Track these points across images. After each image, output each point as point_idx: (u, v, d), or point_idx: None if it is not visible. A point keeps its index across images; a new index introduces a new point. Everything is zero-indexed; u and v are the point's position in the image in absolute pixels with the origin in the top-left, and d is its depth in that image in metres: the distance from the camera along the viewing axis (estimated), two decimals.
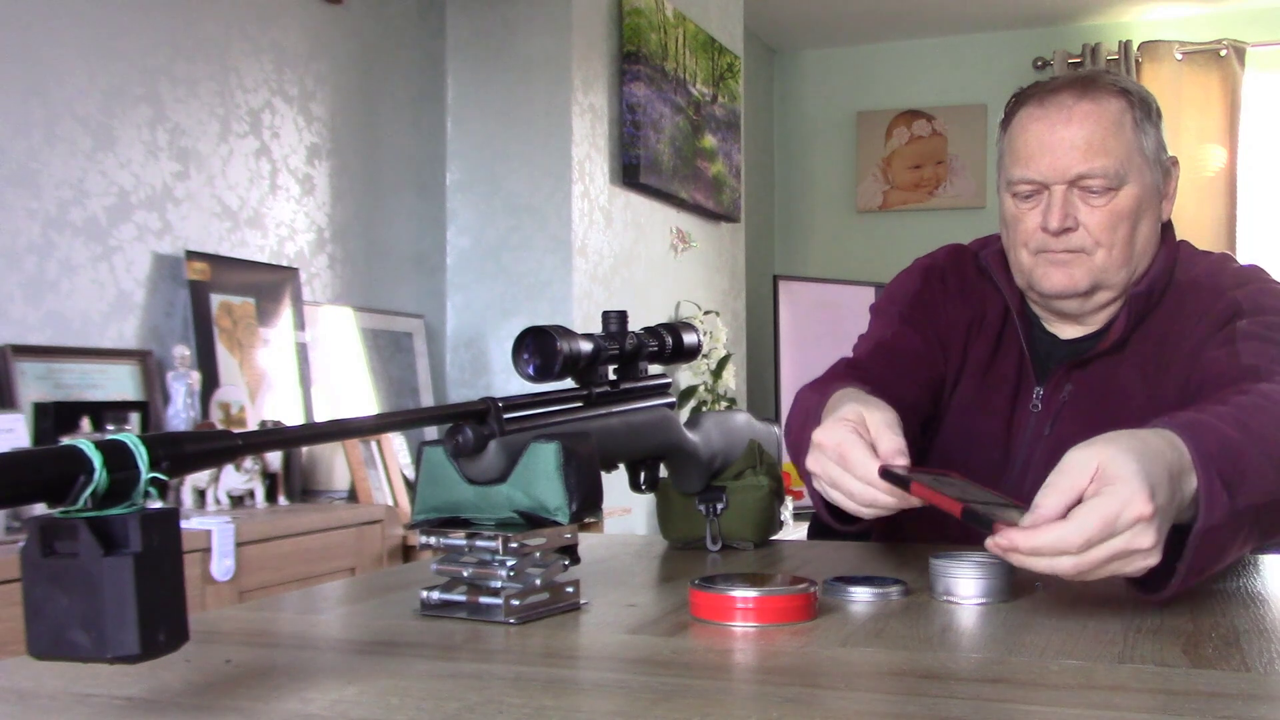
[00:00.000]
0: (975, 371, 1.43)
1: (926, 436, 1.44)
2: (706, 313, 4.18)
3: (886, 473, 0.96)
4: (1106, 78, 1.35)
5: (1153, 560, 0.86)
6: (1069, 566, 0.85)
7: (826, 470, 1.02)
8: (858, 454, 1.00)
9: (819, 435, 1.03)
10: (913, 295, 1.48)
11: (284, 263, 2.87)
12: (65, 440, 0.68)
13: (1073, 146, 1.31)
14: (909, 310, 1.46)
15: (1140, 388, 1.35)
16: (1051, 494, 0.87)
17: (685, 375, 4.02)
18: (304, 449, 2.67)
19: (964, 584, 0.97)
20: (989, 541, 0.88)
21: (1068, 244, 1.33)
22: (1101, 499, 0.85)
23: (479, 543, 0.90)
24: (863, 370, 1.38)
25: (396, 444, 2.91)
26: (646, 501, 3.42)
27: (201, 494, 2.31)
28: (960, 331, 1.45)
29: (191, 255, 2.56)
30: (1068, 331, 1.42)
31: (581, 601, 0.95)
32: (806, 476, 1.08)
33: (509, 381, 3.42)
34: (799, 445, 1.23)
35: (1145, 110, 1.34)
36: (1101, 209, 1.32)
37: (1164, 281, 1.37)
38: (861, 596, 0.97)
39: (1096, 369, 1.37)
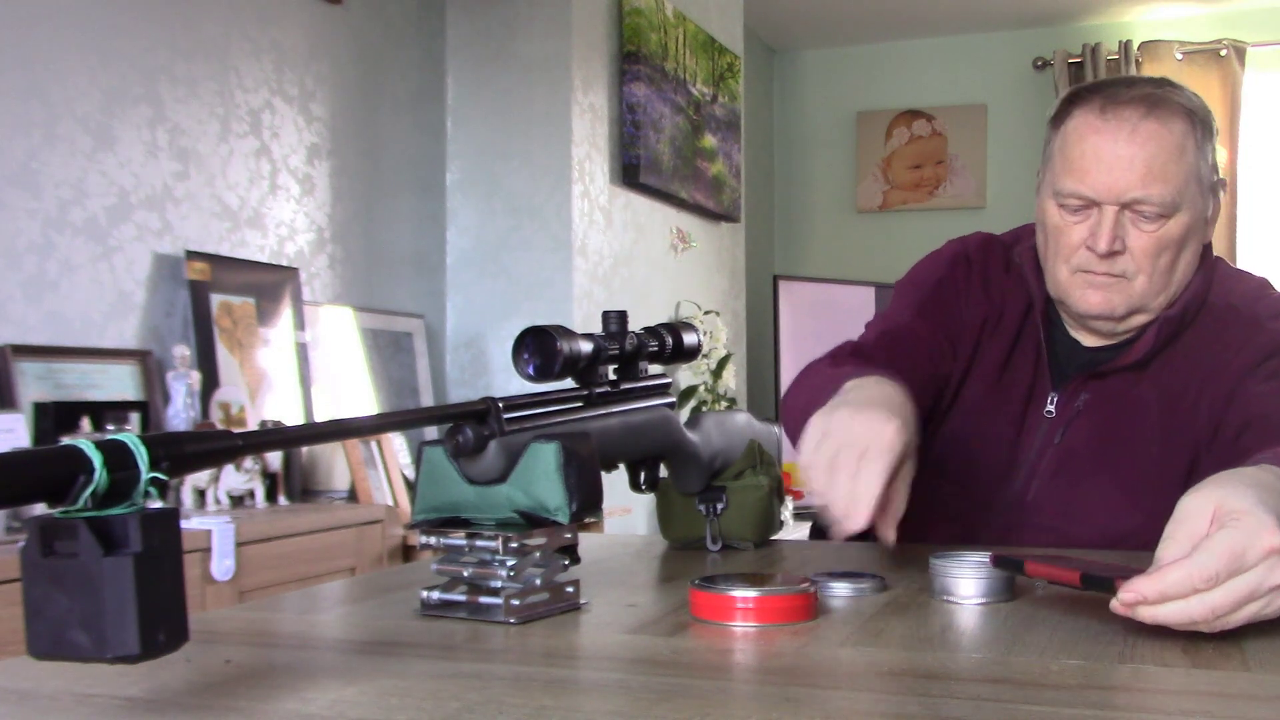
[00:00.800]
0: (988, 372, 1.40)
1: (926, 435, 1.43)
2: (706, 313, 4.18)
3: (999, 560, 0.94)
4: (1174, 95, 1.28)
5: None
6: (1203, 609, 0.79)
7: (834, 462, 1.00)
8: (874, 468, 0.98)
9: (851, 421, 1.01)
10: (934, 283, 1.44)
11: (284, 263, 2.87)
12: (65, 440, 0.68)
13: (1131, 168, 1.24)
14: (927, 299, 1.43)
15: (1157, 408, 1.32)
16: (1171, 544, 0.82)
17: (685, 375, 4.02)
18: (304, 449, 2.67)
19: (964, 584, 0.96)
20: (1114, 604, 0.82)
21: (1111, 267, 1.28)
22: (1225, 532, 0.80)
23: (479, 543, 0.90)
24: (868, 355, 1.35)
25: (396, 444, 2.91)
26: (646, 501, 3.42)
27: (201, 494, 2.31)
28: (974, 329, 1.41)
29: (191, 255, 2.56)
30: (1090, 339, 1.39)
31: (581, 601, 0.95)
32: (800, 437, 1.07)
33: (509, 381, 3.42)
34: (802, 418, 1.21)
35: (1206, 131, 1.28)
36: (1150, 235, 1.26)
37: (1198, 303, 1.33)
38: (841, 591, 0.98)
39: (1115, 382, 1.34)
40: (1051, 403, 1.37)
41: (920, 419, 1.39)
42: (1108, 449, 1.33)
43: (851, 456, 0.99)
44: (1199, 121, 1.28)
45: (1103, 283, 1.29)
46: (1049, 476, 1.35)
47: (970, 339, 1.41)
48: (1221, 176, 1.34)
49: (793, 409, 1.29)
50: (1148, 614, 0.80)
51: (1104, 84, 1.31)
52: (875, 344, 1.40)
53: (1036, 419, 1.37)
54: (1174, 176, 1.25)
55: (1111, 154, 1.25)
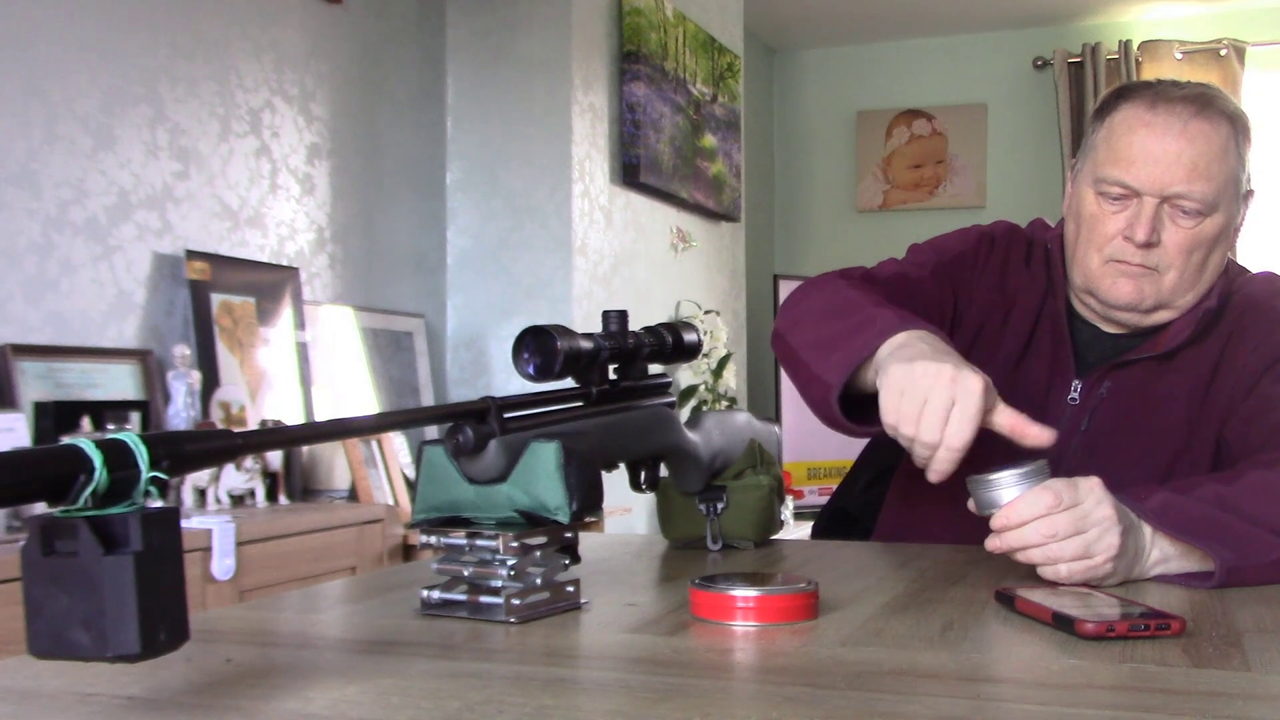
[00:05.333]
0: (1004, 366, 1.40)
1: None
2: (707, 312, 4.18)
3: (999, 595, 0.95)
4: (1220, 100, 1.31)
5: (1106, 508, 1.02)
6: (1047, 526, 1.01)
7: (938, 405, 1.05)
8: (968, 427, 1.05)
9: (977, 379, 1.06)
10: (955, 254, 1.44)
11: (284, 262, 2.87)
12: (65, 440, 0.68)
13: (1179, 162, 1.26)
14: (944, 265, 1.43)
15: (1185, 401, 1.33)
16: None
17: (685, 375, 4.02)
18: (304, 448, 2.67)
19: (1007, 494, 1.03)
20: (988, 542, 1.05)
21: (1145, 259, 1.30)
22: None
23: (479, 542, 0.90)
24: (880, 287, 1.35)
25: (397, 443, 2.91)
26: (646, 501, 3.42)
27: (202, 493, 2.31)
28: (978, 311, 1.42)
29: (191, 255, 2.56)
30: (1110, 326, 1.40)
31: (582, 601, 0.95)
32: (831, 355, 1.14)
33: (509, 381, 3.42)
34: (820, 321, 1.24)
35: (1245, 139, 1.32)
36: (1186, 231, 1.29)
37: (1225, 299, 1.36)
38: (1008, 482, 1.03)
39: (1137, 371, 1.35)
40: (1075, 390, 1.38)
41: None
42: (1134, 435, 1.34)
43: (940, 409, 1.05)
44: (1241, 127, 1.31)
45: (1135, 273, 1.31)
46: (1077, 463, 1.36)
47: (973, 324, 1.42)
48: (1251, 188, 1.36)
49: (806, 311, 1.30)
50: (1012, 536, 1.02)
51: (1152, 82, 1.34)
52: (888, 282, 1.39)
53: (1060, 407, 1.38)
54: (1216, 176, 1.27)
55: (1160, 147, 1.27)
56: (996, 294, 1.42)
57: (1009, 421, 1.08)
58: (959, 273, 1.43)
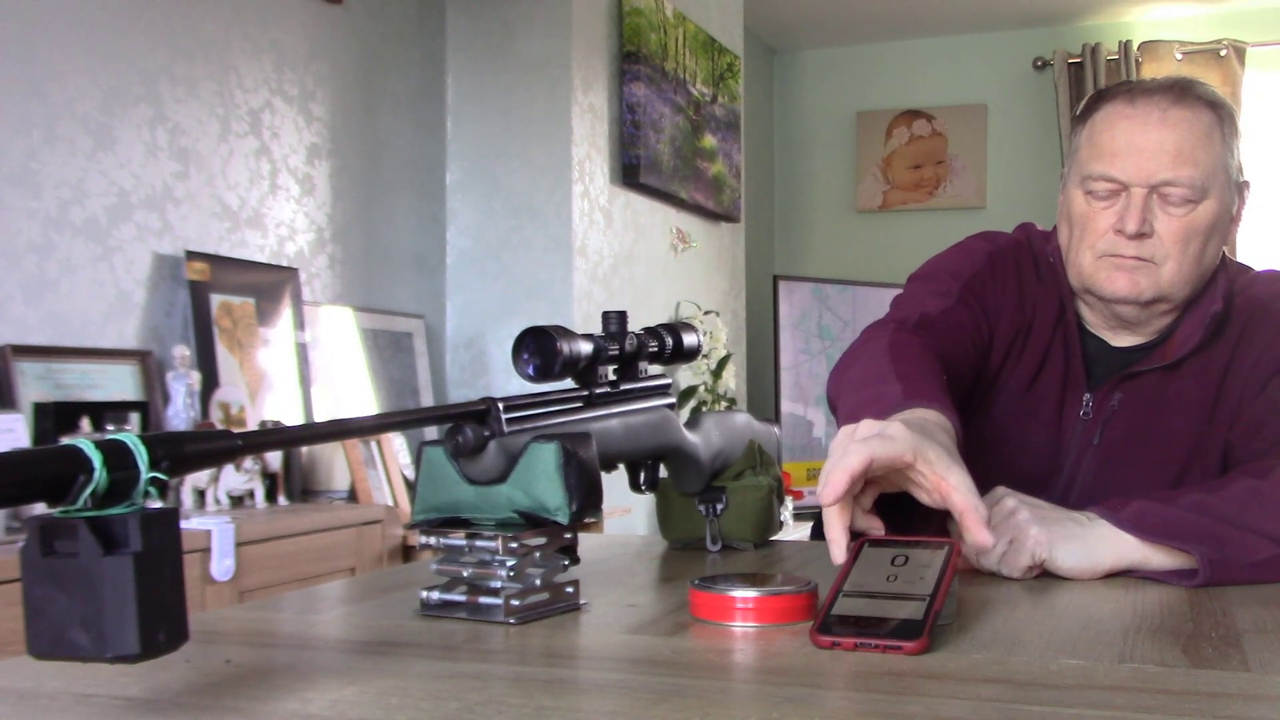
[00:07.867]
0: (1020, 384, 1.39)
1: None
2: (706, 313, 4.18)
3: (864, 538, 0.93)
4: (1199, 87, 1.30)
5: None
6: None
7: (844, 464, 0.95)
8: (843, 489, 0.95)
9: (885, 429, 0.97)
10: (971, 275, 1.40)
11: (284, 263, 2.87)
12: (65, 440, 0.68)
13: (1162, 150, 1.26)
14: (966, 289, 1.38)
15: (1195, 408, 1.32)
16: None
17: (685, 375, 4.02)
18: (304, 449, 2.67)
19: None
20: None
21: (1139, 250, 1.28)
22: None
23: (479, 543, 0.90)
24: (920, 340, 1.29)
25: (396, 444, 2.91)
26: (646, 501, 3.42)
27: (201, 494, 2.31)
28: (1006, 336, 1.39)
29: (191, 255, 2.56)
30: (1118, 339, 1.39)
31: (581, 601, 0.95)
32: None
33: (509, 381, 3.42)
34: (854, 398, 1.19)
35: (1231, 126, 1.31)
36: (1179, 219, 1.27)
37: (1229, 300, 1.35)
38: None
39: (1147, 381, 1.34)
40: (1087, 405, 1.36)
41: (964, 391, 1.38)
42: (1146, 445, 1.34)
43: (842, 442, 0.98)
44: (1225, 115, 1.30)
45: (1130, 266, 1.29)
46: (1091, 477, 1.35)
47: (1004, 343, 1.39)
48: (1245, 179, 1.35)
49: (847, 382, 1.26)
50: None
51: (1130, 81, 1.34)
52: (920, 326, 1.34)
53: (1073, 421, 1.37)
54: (1203, 161, 1.27)
55: (1142, 137, 1.27)
56: (1017, 312, 1.40)
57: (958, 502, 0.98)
58: (983, 294, 1.40)
